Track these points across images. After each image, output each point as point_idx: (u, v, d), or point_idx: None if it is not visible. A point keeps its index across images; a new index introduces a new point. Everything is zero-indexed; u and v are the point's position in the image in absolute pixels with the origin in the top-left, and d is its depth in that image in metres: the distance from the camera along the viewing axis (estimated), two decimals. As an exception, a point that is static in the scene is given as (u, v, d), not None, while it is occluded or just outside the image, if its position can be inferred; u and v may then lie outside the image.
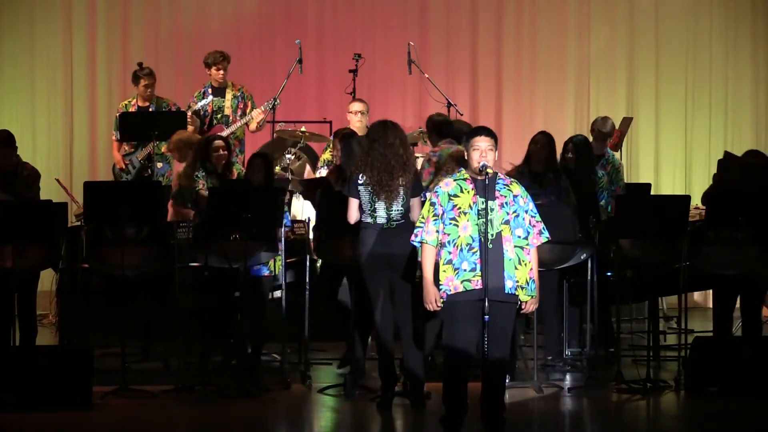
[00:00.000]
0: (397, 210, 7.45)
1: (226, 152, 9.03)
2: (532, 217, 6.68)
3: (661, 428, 7.59)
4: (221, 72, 10.88)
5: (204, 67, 10.99)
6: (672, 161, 12.85)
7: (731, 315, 8.64)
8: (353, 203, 7.52)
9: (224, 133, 10.75)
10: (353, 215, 7.53)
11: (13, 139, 8.59)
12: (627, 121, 11.39)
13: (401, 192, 7.44)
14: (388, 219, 7.45)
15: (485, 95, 12.88)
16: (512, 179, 6.79)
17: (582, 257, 8.44)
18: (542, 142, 8.90)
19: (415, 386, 7.51)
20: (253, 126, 10.90)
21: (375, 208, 7.47)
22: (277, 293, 8.85)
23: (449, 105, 11.28)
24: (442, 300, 6.59)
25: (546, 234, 6.70)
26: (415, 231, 6.77)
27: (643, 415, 7.84)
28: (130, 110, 10.73)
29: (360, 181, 7.50)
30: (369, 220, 7.50)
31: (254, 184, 8.44)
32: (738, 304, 8.62)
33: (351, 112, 10.77)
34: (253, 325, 8.27)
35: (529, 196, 6.73)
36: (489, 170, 6.57)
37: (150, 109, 10.72)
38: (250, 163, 8.63)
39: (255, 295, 8.28)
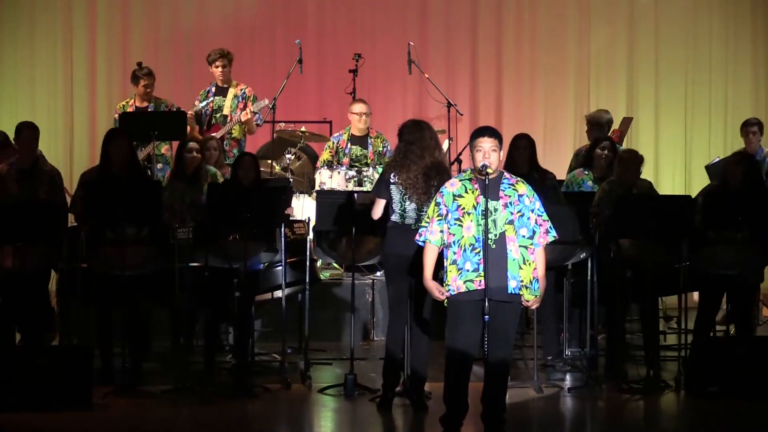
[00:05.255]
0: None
1: (199, 155, 9.01)
2: (538, 216, 6.67)
3: (661, 428, 7.59)
4: (220, 69, 10.87)
5: (206, 64, 11.01)
6: (672, 161, 12.85)
7: (715, 316, 8.65)
8: (380, 203, 7.51)
9: (220, 133, 10.74)
10: (378, 213, 7.52)
11: (8, 140, 8.62)
12: (627, 121, 11.39)
13: (434, 194, 7.37)
14: (417, 220, 7.43)
15: (485, 95, 12.88)
16: (518, 178, 6.78)
17: (582, 257, 8.45)
18: (524, 144, 8.92)
19: (417, 386, 7.51)
20: (246, 128, 10.89)
21: (405, 209, 7.45)
22: (278, 293, 8.85)
23: (449, 105, 11.27)
24: (447, 289, 6.58)
25: (553, 233, 6.69)
26: (419, 230, 6.77)
27: (643, 415, 7.84)
28: (128, 111, 10.72)
29: (392, 180, 7.48)
30: (397, 219, 7.48)
31: (246, 184, 8.39)
32: (725, 305, 8.64)
33: (354, 113, 10.73)
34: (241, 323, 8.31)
35: (536, 195, 6.71)
36: (489, 170, 6.57)
37: (149, 110, 10.71)
38: (241, 162, 8.52)
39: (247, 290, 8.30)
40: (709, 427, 7.54)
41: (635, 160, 8.83)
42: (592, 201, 8.67)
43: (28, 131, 8.68)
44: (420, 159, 7.45)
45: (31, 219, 8.01)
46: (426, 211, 7.30)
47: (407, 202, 7.44)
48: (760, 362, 7.95)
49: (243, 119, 10.78)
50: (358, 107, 10.76)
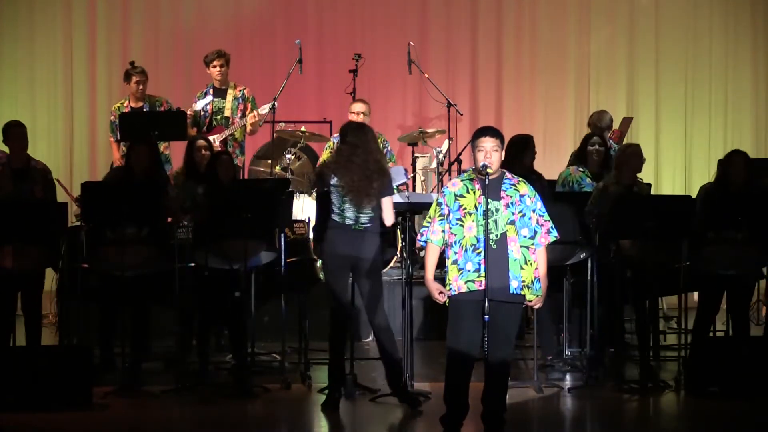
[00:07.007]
0: (368, 213, 7.49)
1: (208, 152, 9.01)
2: (540, 216, 6.66)
3: (661, 428, 7.59)
4: (217, 69, 10.85)
5: (204, 66, 10.99)
6: (672, 161, 12.86)
7: (714, 316, 8.63)
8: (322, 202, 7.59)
9: (223, 135, 10.73)
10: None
11: None
12: (627, 121, 11.39)
13: (375, 196, 7.49)
14: (356, 221, 7.50)
15: (485, 95, 12.89)
16: (520, 179, 6.77)
17: (581, 257, 8.45)
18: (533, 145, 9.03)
19: (394, 369, 7.54)
20: (247, 129, 10.88)
21: (344, 209, 7.51)
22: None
23: (449, 105, 11.27)
24: (448, 288, 6.58)
25: (554, 233, 6.69)
26: (421, 231, 6.77)
27: (643, 415, 7.84)
28: (123, 111, 10.70)
29: (332, 182, 7.52)
30: (337, 219, 7.54)
31: (225, 182, 8.37)
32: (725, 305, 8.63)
33: (353, 113, 10.74)
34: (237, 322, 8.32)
35: (537, 195, 6.71)
36: (489, 170, 6.56)
37: (144, 109, 10.69)
38: (219, 161, 8.48)
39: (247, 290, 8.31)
40: (709, 427, 7.54)
41: (636, 155, 8.77)
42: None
43: (16, 129, 8.63)
44: (364, 163, 7.52)
45: (30, 219, 8.00)
46: (366, 213, 7.46)
47: (346, 204, 7.49)
48: (760, 362, 7.96)
49: (250, 122, 10.76)
50: (357, 107, 10.77)
